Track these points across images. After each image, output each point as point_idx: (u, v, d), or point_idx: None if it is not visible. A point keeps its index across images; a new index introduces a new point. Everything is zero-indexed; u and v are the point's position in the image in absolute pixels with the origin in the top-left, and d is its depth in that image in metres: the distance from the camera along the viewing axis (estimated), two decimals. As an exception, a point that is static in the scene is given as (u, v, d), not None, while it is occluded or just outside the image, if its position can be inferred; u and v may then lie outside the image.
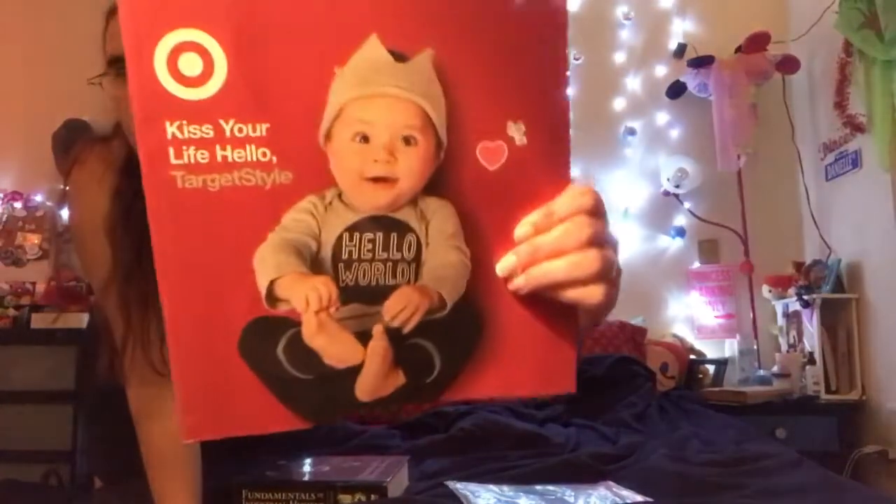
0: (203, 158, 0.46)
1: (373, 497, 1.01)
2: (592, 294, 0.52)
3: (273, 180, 0.48)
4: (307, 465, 1.17)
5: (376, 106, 0.49)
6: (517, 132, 0.52)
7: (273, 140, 0.47)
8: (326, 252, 0.50)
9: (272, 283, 0.49)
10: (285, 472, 1.12)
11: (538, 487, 1.12)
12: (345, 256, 0.50)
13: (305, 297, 0.49)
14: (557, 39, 0.52)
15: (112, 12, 0.98)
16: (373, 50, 0.48)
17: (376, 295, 0.51)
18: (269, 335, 0.49)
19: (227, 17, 0.46)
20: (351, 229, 0.50)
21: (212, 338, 0.49)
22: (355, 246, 0.50)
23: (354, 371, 0.51)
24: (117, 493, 1.22)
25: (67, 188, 1.12)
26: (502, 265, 0.53)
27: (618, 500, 1.06)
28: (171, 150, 0.46)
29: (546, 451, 1.34)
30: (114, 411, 1.12)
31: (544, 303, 0.54)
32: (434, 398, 0.54)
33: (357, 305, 0.50)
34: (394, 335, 0.51)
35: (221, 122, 0.46)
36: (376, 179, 0.50)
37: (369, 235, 0.50)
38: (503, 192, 0.52)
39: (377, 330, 0.51)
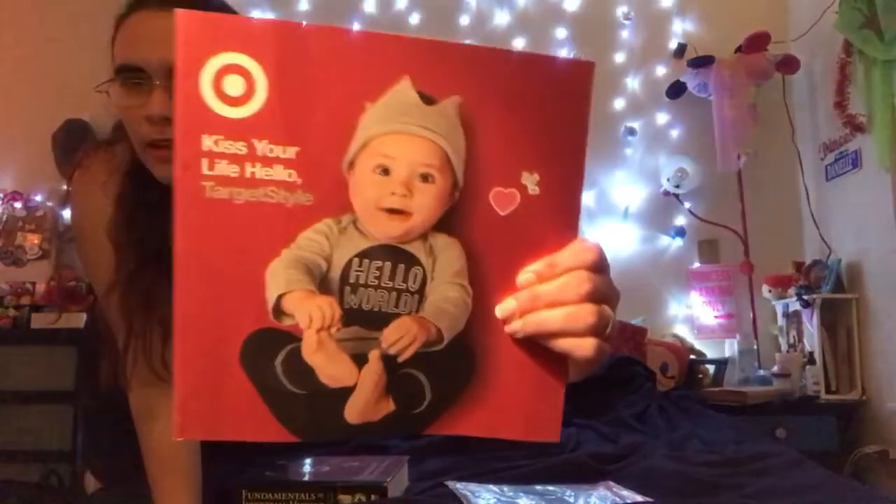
0: (233, 172, 0.49)
1: (373, 497, 1.01)
2: (585, 346, 0.54)
3: (295, 200, 0.50)
4: (307, 465, 1.17)
5: (400, 142, 0.52)
6: (531, 182, 0.54)
7: (300, 163, 0.50)
8: (335, 274, 0.52)
9: (280, 297, 0.51)
10: (285, 473, 1.12)
11: (538, 487, 1.12)
12: (352, 280, 0.52)
13: (309, 314, 0.51)
14: (581, 100, 0.54)
15: (122, 18, 0.98)
16: (404, 91, 0.51)
17: (377, 321, 0.53)
18: (270, 346, 0.51)
19: (273, 45, 0.49)
20: (361, 255, 0.52)
21: (216, 341, 0.50)
22: (363, 271, 0.52)
23: (347, 392, 0.52)
24: (117, 494, 1.22)
25: (70, 193, 1.12)
26: (502, 308, 0.54)
27: (618, 500, 1.06)
28: (205, 162, 0.49)
29: (546, 451, 1.34)
30: (114, 412, 1.12)
31: (538, 350, 0.55)
32: (420, 429, 0.55)
33: (358, 328, 0.52)
34: (389, 362, 0.53)
35: (255, 141, 0.49)
36: (391, 211, 0.52)
37: (378, 263, 0.53)
38: (511, 238, 0.54)
39: (373, 355, 0.53)
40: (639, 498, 1.06)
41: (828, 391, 2.54)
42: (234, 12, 0.94)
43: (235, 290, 0.50)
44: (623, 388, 2.11)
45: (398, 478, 1.11)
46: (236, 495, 1.04)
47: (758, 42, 2.77)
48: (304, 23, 0.50)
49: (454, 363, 0.54)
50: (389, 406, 0.53)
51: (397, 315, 0.53)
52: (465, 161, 0.53)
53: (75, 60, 2.77)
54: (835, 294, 2.57)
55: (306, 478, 1.11)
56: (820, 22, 2.67)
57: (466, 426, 0.56)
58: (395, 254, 0.53)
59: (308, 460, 1.20)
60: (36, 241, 2.94)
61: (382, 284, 0.52)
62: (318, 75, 0.50)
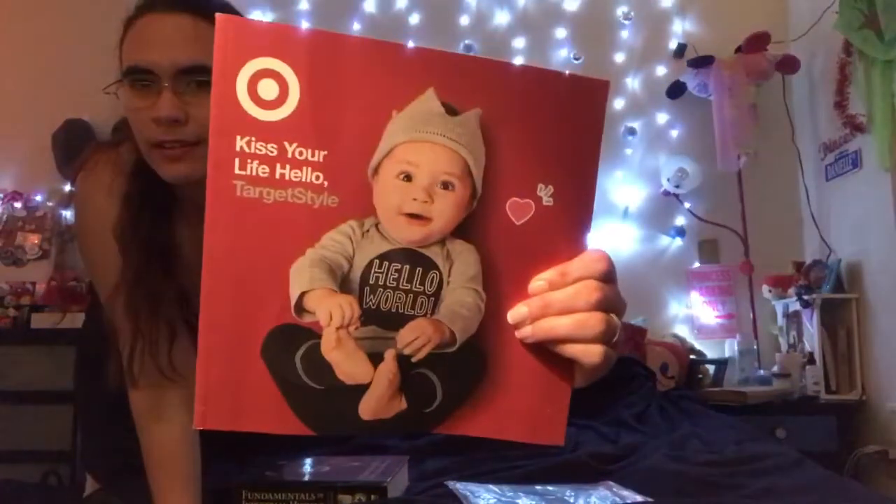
0: (263, 173, 0.51)
1: (373, 497, 1.01)
2: (592, 353, 0.55)
3: (321, 202, 0.52)
4: (307, 466, 1.17)
5: (423, 151, 0.54)
6: (546, 193, 0.56)
7: (328, 167, 0.52)
8: (356, 274, 0.54)
9: (303, 294, 0.53)
10: (285, 473, 1.12)
11: (538, 487, 1.12)
12: (371, 281, 0.54)
13: (330, 312, 0.53)
14: (595, 117, 0.57)
15: (131, 20, 0.98)
16: (429, 101, 0.53)
17: (394, 321, 0.55)
18: (291, 342, 0.53)
19: (307, 52, 0.51)
20: (382, 257, 0.54)
21: (239, 335, 0.52)
22: (383, 273, 0.54)
23: (362, 389, 0.54)
24: (117, 494, 1.22)
25: (75, 194, 1.11)
26: (514, 313, 0.56)
27: (618, 500, 1.06)
28: (237, 161, 0.51)
29: (546, 451, 1.34)
30: (114, 412, 1.12)
31: (547, 355, 0.57)
32: (429, 428, 0.57)
33: (375, 328, 0.54)
34: (403, 362, 0.55)
35: (286, 143, 0.52)
36: (412, 216, 0.54)
37: (397, 266, 0.55)
38: (525, 246, 0.56)
39: (389, 354, 0.54)
40: (639, 498, 1.06)
41: (828, 391, 2.54)
42: (236, 13, 0.94)
43: (260, 286, 0.52)
44: (623, 389, 2.11)
45: (398, 478, 1.11)
46: (236, 495, 1.04)
47: (758, 42, 2.77)
48: (337, 32, 0.53)
49: (466, 365, 0.56)
50: (402, 404, 0.55)
51: (413, 316, 0.55)
52: (484, 171, 0.55)
53: (75, 60, 2.78)
54: (835, 294, 2.58)
55: (306, 478, 1.11)
56: (820, 22, 2.67)
57: (474, 427, 0.57)
58: (413, 257, 0.55)
59: (308, 460, 1.20)
60: (36, 241, 2.94)
61: (400, 286, 0.55)
62: (349, 83, 0.52)
